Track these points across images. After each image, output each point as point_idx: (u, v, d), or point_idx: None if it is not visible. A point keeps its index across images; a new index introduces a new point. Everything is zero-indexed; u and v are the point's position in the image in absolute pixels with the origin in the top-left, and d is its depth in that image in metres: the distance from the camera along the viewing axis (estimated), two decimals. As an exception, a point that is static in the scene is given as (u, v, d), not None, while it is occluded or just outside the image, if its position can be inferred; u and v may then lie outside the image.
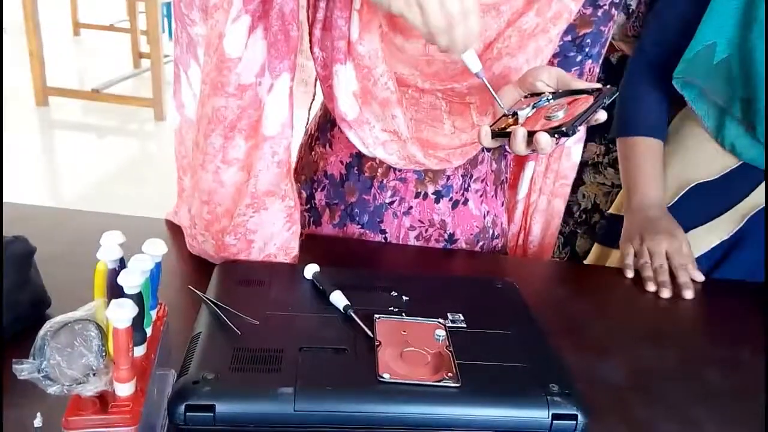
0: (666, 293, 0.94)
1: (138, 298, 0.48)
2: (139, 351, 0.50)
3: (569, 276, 1.06)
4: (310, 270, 0.76)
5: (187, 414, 0.54)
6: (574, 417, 0.59)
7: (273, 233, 0.81)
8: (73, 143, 3.73)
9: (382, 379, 0.59)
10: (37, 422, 0.54)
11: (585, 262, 1.29)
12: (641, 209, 1.07)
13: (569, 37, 0.91)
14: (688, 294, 0.93)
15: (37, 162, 3.39)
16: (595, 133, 1.33)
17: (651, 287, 0.95)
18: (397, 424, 0.57)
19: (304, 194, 1.05)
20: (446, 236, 1.02)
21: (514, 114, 0.74)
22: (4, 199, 0.95)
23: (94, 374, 0.44)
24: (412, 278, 0.79)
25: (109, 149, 3.66)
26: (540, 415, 0.58)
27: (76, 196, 3.02)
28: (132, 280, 0.47)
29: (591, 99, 0.70)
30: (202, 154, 0.78)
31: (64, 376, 0.43)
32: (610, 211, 1.25)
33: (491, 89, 0.76)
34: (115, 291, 0.48)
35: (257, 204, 0.79)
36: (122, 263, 0.52)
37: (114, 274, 0.50)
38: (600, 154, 1.34)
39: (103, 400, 0.46)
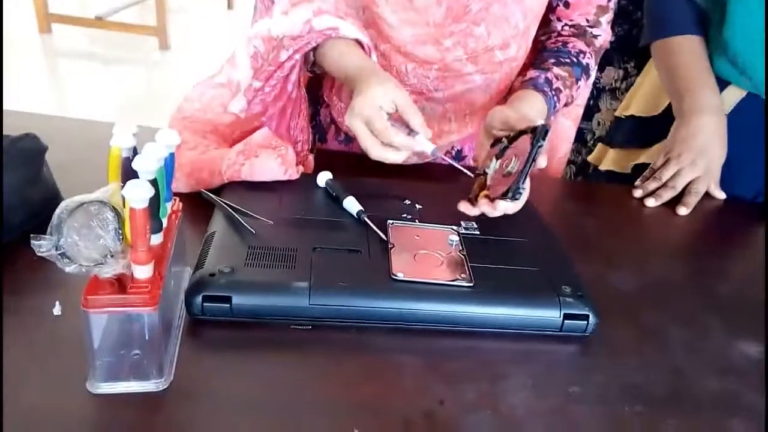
0: (651, 202, 0.95)
1: (153, 185, 0.47)
2: (156, 239, 0.50)
3: (579, 193, 1.06)
4: (323, 177, 0.76)
5: (205, 304, 0.55)
6: (585, 317, 0.59)
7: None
8: (77, 71, 3.67)
9: (395, 278, 0.59)
10: (56, 310, 0.55)
11: (588, 159, 1.28)
12: (696, 112, 0.97)
13: None
14: (681, 210, 0.94)
15: (41, 89, 3.35)
16: (613, 57, 1.29)
17: (637, 193, 0.97)
18: (410, 320, 0.58)
19: (309, 111, 1.03)
20: (453, 153, 1.01)
21: (485, 173, 0.72)
22: (13, 108, 0.94)
23: (111, 256, 0.44)
24: (425, 187, 0.78)
25: (114, 78, 3.60)
26: (552, 314, 0.59)
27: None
28: (147, 164, 0.47)
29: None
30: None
31: (81, 256, 0.43)
32: (618, 113, 1.22)
33: (456, 164, 0.74)
34: (130, 177, 0.47)
35: (248, 152, 0.76)
36: (135, 152, 0.52)
37: (128, 162, 0.49)
38: (618, 80, 1.30)
39: (121, 284, 0.46)
